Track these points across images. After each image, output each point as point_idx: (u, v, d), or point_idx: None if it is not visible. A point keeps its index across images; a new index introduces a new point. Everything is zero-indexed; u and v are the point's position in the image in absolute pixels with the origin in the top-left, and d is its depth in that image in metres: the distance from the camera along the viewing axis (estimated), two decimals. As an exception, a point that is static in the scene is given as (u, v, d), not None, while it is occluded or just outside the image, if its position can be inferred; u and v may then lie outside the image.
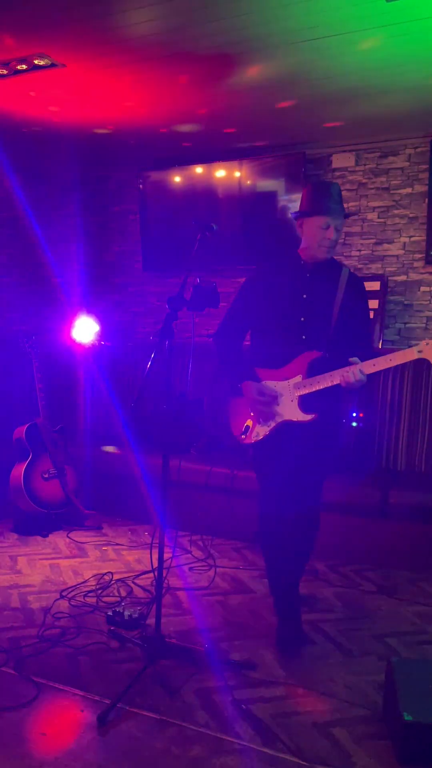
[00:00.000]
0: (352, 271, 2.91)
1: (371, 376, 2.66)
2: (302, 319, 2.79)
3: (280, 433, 2.80)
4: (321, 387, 2.71)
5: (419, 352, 2.59)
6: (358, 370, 2.60)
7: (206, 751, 2.11)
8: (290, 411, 2.77)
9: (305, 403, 2.75)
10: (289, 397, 2.78)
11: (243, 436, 2.90)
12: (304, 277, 2.83)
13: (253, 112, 4.05)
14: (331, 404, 2.82)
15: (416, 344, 2.59)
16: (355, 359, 2.63)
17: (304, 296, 2.81)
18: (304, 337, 2.79)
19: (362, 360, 2.63)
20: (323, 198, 2.74)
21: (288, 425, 2.78)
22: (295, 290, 2.82)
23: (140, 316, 5.56)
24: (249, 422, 2.89)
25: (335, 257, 2.94)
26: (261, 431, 2.84)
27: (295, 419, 2.76)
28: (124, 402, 4.68)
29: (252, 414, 2.87)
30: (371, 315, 4.47)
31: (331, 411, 2.84)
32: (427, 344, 2.57)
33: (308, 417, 2.73)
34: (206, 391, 4.65)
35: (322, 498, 2.93)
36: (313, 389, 2.73)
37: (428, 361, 2.59)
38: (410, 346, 2.62)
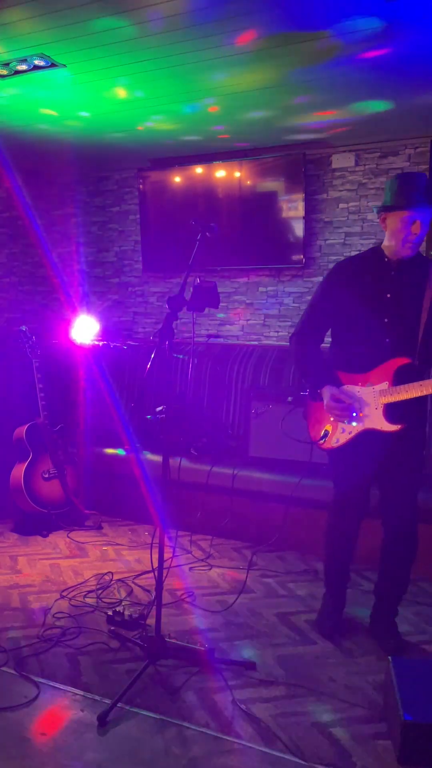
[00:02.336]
0: None
1: None
2: (386, 320, 2.62)
3: (362, 440, 2.67)
4: (410, 396, 2.53)
5: None
6: None
7: (206, 751, 2.11)
8: (374, 419, 2.63)
9: (390, 412, 2.60)
10: (373, 404, 2.63)
11: (322, 442, 2.78)
12: (389, 275, 2.64)
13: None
14: (418, 414, 2.69)
15: None
16: None
17: (389, 296, 2.63)
18: (387, 340, 2.62)
19: None
20: (409, 190, 2.52)
21: (370, 434, 2.64)
22: (378, 289, 2.64)
23: (140, 316, 5.56)
24: (329, 427, 2.77)
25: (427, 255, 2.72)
26: (342, 437, 2.71)
27: (380, 428, 2.62)
28: (125, 402, 4.68)
29: (332, 419, 2.74)
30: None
31: (418, 421, 2.71)
32: None
33: (395, 427, 2.59)
34: (206, 391, 4.65)
35: (418, 513, 2.80)
36: (401, 398, 2.56)
37: None
38: None
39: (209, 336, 5.09)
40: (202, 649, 2.68)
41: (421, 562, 3.62)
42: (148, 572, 3.48)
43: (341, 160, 4.65)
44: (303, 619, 3.06)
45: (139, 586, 3.39)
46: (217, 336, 5.10)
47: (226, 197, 4.90)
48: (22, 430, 4.20)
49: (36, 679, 2.49)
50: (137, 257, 5.46)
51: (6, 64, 3.26)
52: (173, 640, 2.72)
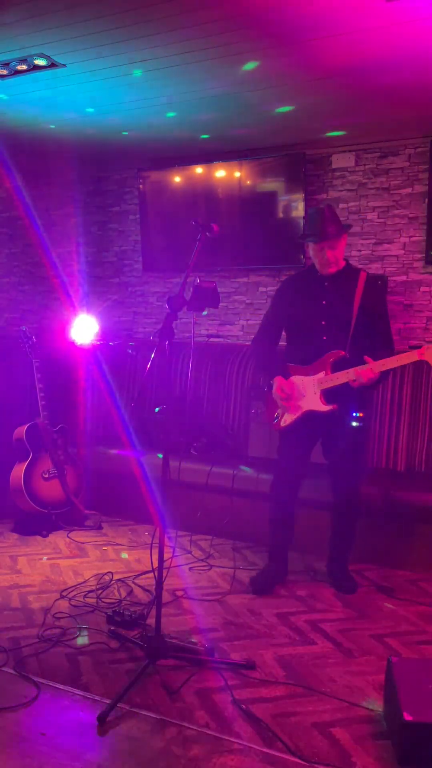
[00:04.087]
0: (369, 273, 3.28)
1: (384, 375, 3.08)
2: (323, 322, 3.23)
3: (304, 420, 3.26)
4: (340, 382, 3.13)
5: (421, 354, 2.96)
6: (370, 369, 3.01)
7: (206, 751, 2.11)
8: (314, 402, 3.22)
9: (327, 396, 3.19)
10: (313, 390, 3.22)
11: (275, 422, 3.39)
12: (323, 285, 3.26)
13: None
14: (350, 397, 3.18)
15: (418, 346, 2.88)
16: (367, 360, 3.03)
17: (324, 302, 3.24)
18: (324, 338, 3.22)
19: (379, 359, 3.03)
20: (315, 224, 3.16)
21: (311, 415, 3.24)
22: (315, 298, 3.26)
23: (140, 316, 5.56)
24: (279, 411, 3.37)
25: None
26: (288, 419, 3.31)
27: (318, 409, 3.21)
28: (125, 402, 4.68)
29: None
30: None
31: (353, 405, 3.22)
32: (429, 348, 2.94)
33: (328, 408, 3.19)
34: (206, 391, 4.65)
35: (361, 477, 3.45)
36: (334, 384, 3.15)
37: (428, 363, 2.96)
38: (411, 348, 2.83)
39: (209, 336, 5.10)
40: (202, 649, 2.68)
41: (421, 562, 3.64)
42: (148, 572, 3.48)
43: (341, 160, 4.64)
44: (303, 619, 3.06)
45: (139, 586, 3.39)
46: (217, 336, 5.11)
47: (226, 197, 4.90)
48: (22, 430, 4.20)
49: (36, 679, 2.49)
50: (137, 257, 5.46)
51: (6, 64, 3.26)
52: (173, 640, 2.72)
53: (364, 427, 3.36)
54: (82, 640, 2.82)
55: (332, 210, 3.21)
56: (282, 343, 3.53)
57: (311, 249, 3.22)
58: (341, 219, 4.71)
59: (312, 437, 3.37)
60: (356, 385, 3.08)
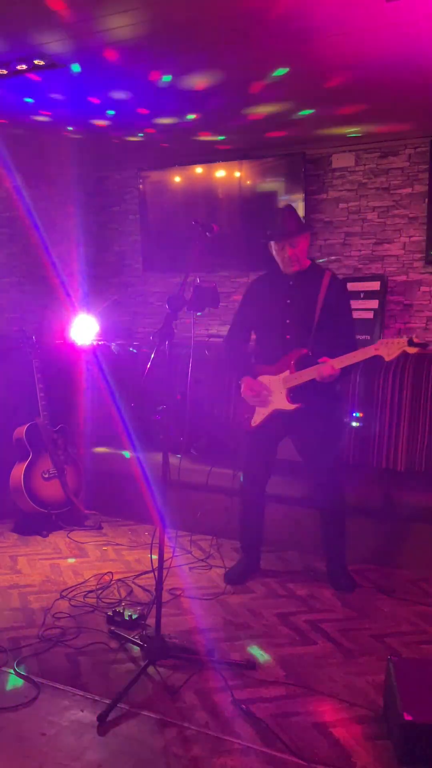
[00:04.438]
0: (334, 274, 3.30)
1: (345, 372, 3.13)
2: (287, 321, 3.26)
3: (272, 419, 3.29)
4: (304, 380, 3.15)
5: (375, 349, 3.01)
6: (330, 366, 3.04)
7: (206, 751, 2.11)
8: (280, 401, 3.25)
9: (293, 394, 3.21)
10: (279, 389, 3.25)
11: (246, 422, 3.41)
12: (288, 285, 3.28)
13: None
14: (315, 395, 3.20)
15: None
16: (325, 360, 3.07)
17: (288, 302, 3.27)
18: (288, 336, 3.25)
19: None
20: (275, 224, 3.21)
21: (278, 413, 3.27)
22: (279, 297, 3.29)
23: (140, 316, 5.56)
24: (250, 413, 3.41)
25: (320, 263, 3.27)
26: (258, 418, 3.35)
27: (284, 408, 3.24)
28: (125, 402, 4.67)
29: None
30: (371, 315, 4.47)
31: (320, 400, 3.23)
32: (383, 343, 3.00)
33: (293, 406, 3.21)
34: (206, 391, 4.65)
35: (339, 473, 3.44)
36: (298, 382, 3.17)
37: (409, 358, 3.09)
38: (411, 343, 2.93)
39: (209, 336, 5.09)
40: (202, 649, 2.68)
41: (421, 562, 3.64)
42: (148, 572, 3.48)
43: (341, 160, 4.65)
44: (303, 619, 3.06)
45: (139, 586, 3.39)
46: (218, 336, 5.10)
47: (226, 197, 4.90)
48: (22, 430, 4.20)
49: (36, 679, 2.49)
50: (137, 257, 5.46)
51: (6, 64, 3.26)
52: (173, 640, 2.72)
53: (335, 423, 3.43)
54: (80, 640, 2.82)
55: (292, 209, 3.27)
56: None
57: (274, 249, 3.24)
58: (341, 218, 4.75)
59: (279, 435, 3.41)
60: (320, 380, 3.09)
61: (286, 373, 3.22)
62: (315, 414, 3.24)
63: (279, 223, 3.20)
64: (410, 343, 2.97)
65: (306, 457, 3.42)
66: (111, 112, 4.02)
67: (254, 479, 3.47)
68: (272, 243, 3.22)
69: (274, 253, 3.26)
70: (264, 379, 3.30)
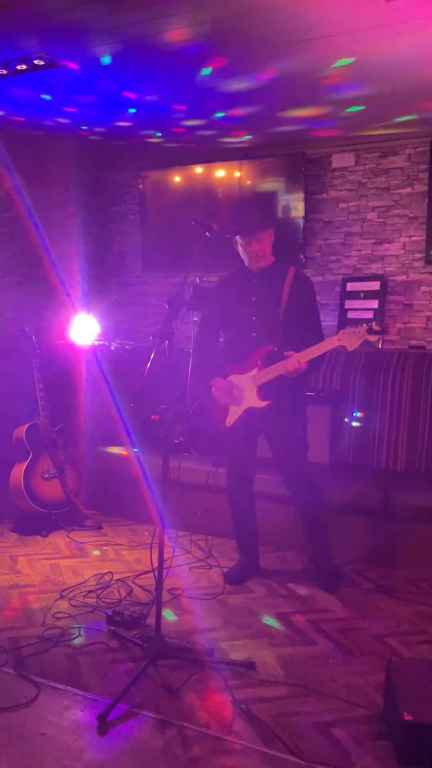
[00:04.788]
0: (298, 269, 3.31)
1: (314, 365, 3.13)
2: (253, 318, 3.25)
3: (246, 417, 3.29)
4: (272, 377, 3.14)
5: (338, 340, 3.01)
6: (296, 360, 3.03)
7: (206, 751, 2.11)
8: (252, 399, 3.25)
9: (263, 391, 3.21)
10: (249, 387, 3.25)
11: (221, 423, 3.40)
12: (252, 282, 3.28)
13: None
14: (285, 390, 3.19)
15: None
16: (291, 354, 3.07)
17: (253, 299, 3.26)
18: (254, 334, 3.25)
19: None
20: (238, 219, 3.18)
21: (251, 411, 3.27)
22: (245, 295, 3.28)
23: (140, 316, 5.56)
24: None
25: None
26: (232, 418, 3.35)
27: (256, 405, 3.24)
28: (125, 402, 4.67)
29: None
30: (371, 315, 4.47)
31: (287, 396, 3.22)
32: (344, 333, 2.99)
33: (264, 404, 3.21)
34: (206, 391, 4.64)
35: (309, 471, 3.41)
36: (266, 379, 3.17)
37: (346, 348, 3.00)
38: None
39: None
40: (202, 649, 2.68)
41: (421, 562, 3.64)
42: (148, 572, 3.48)
43: (341, 160, 4.65)
44: (303, 619, 3.06)
45: (139, 586, 3.39)
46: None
47: (226, 197, 4.90)
48: (22, 430, 4.20)
49: (36, 679, 2.49)
50: (137, 257, 5.46)
51: (6, 64, 3.25)
52: (173, 640, 2.72)
53: (300, 419, 3.38)
54: (80, 640, 2.82)
55: (258, 204, 3.27)
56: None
57: (239, 244, 3.21)
58: (341, 218, 4.74)
59: (255, 433, 3.40)
60: (287, 375, 3.08)
61: (255, 370, 3.22)
62: (284, 410, 3.24)
63: (244, 218, 3.17)
64: (370, 331, 2.96)
65: (276, 454, 3.39)
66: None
67: (238, 477, 3.49)
68: (238, 238, 3.20)
69: (239, 248, 3.23)
70: (234, 378, 3.30)
